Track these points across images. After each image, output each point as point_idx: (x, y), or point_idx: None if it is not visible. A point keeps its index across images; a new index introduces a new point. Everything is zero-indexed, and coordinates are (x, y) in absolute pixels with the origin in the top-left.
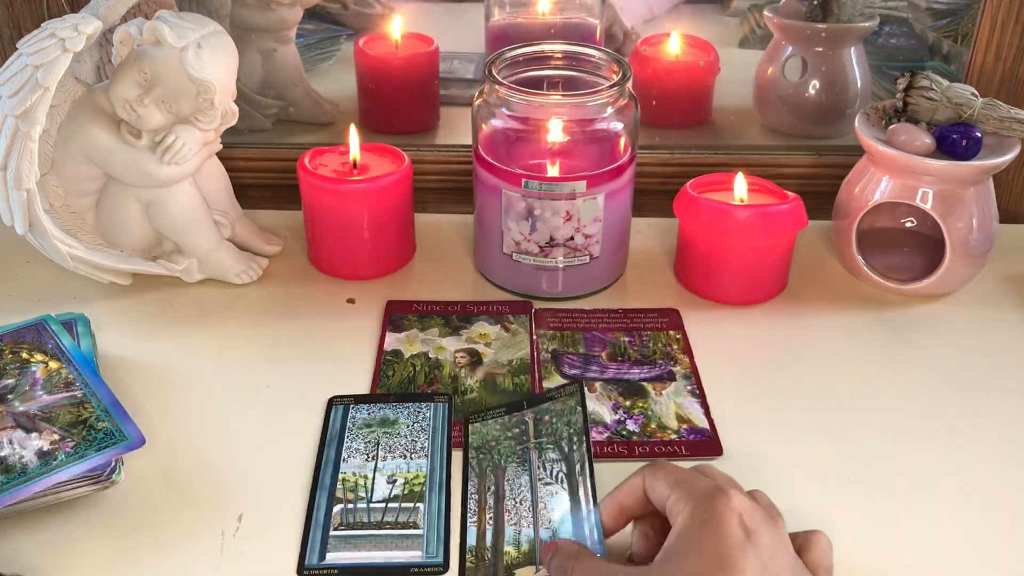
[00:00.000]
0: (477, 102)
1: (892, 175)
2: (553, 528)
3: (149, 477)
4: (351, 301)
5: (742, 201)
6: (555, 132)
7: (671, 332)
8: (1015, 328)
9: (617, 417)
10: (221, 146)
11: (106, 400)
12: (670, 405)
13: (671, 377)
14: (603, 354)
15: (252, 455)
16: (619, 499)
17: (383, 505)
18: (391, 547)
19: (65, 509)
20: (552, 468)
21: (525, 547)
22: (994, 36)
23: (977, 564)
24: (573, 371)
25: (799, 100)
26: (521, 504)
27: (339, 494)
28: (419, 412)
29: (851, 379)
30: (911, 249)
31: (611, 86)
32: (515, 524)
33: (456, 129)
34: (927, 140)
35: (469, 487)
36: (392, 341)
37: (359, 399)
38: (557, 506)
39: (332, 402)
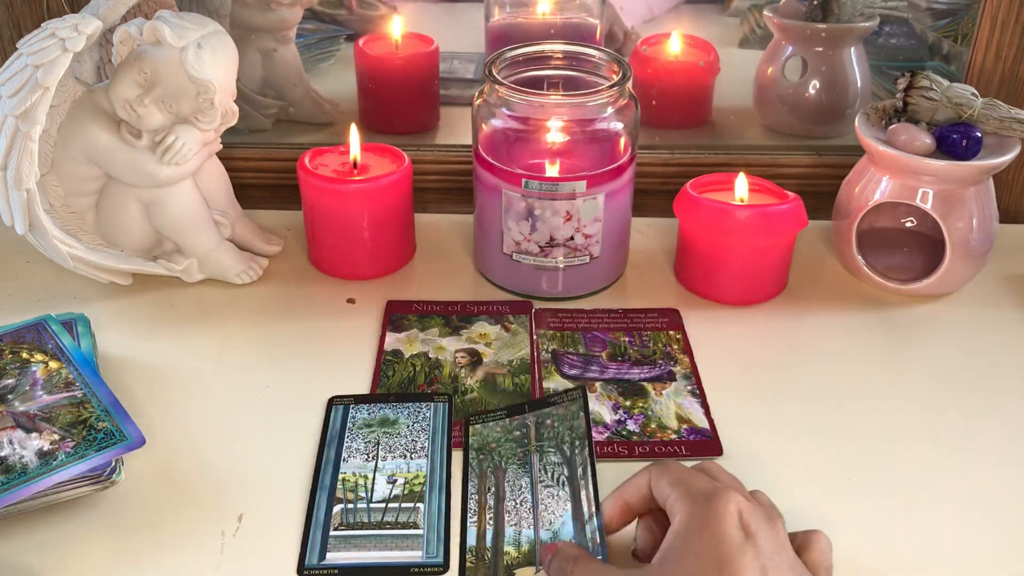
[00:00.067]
0: (477, 102)
1: (892, 175)
2: (553, 530)
3: (149, 477)
4: (351, 301)
5: (742, 201)
6: (555, 132)
7: (671, 332)
8: (1015, 328)
9: (617, 417)
10: (221, 146)
11: (106, 400)
12: (670, 405)
13: (671, 377)
14: (603, 354)
15: (252, 455)
16: (624, 496)
17: (383, 505)
18: (391, 547)
19: (65, 509)
20: (553, 471)
21: (525, 547)
22: (994, 36)
23: (977, 564)
24: (573, 371)
25: (799, 100)
26: (521, 505)
27: (339, 494)
28: (419, 412)
29: (851, 379)
30: (911, 249)
31: (611, 86)
32: (515, 524)
33: (456, 129)
34: (927, 140)
35: (469, 487)
36: (392, 341)
37: (359, 399)
38: (558, 508)
39: (332, 402)
